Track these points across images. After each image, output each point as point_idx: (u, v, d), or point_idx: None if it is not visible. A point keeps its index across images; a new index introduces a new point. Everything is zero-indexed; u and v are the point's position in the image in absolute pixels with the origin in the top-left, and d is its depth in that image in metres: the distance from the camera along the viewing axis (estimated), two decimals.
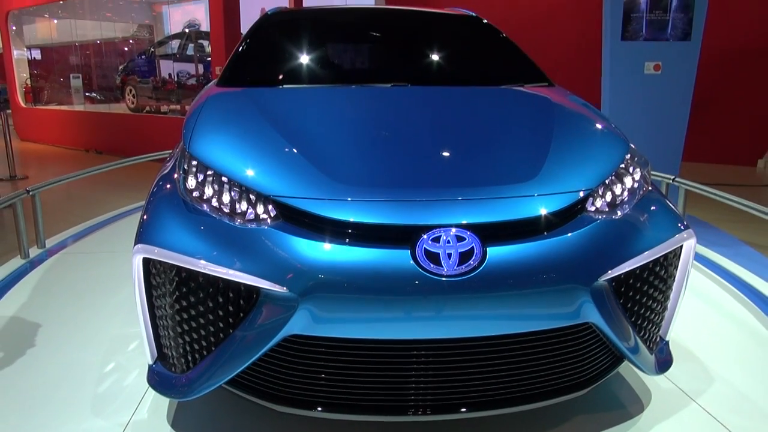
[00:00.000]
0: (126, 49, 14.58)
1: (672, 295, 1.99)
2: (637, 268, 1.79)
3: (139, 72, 11.67)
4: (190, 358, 1.81)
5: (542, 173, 1.83)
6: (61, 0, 12.70)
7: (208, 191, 1.84)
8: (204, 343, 1.77)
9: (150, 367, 1.91)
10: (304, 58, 2.84)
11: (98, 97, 13.84)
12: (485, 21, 3.28)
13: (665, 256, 1.89)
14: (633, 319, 1.87)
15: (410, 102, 2.39)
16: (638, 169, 2.05)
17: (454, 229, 1.63)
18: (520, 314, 1.64)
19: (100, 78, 14.27)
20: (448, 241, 1.60)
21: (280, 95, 2.46)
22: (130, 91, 11.56)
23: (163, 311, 1.80)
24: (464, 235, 1.61)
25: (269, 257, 1.63)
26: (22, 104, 12.63)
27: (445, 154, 1.96)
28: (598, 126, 2.24)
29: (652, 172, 4.36)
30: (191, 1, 13.37)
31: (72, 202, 6.32)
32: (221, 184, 1.83)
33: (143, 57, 11.98)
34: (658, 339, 2.04)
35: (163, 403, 2.16)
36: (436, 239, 1.60)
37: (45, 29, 14.52)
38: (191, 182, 1.89)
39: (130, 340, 2.66)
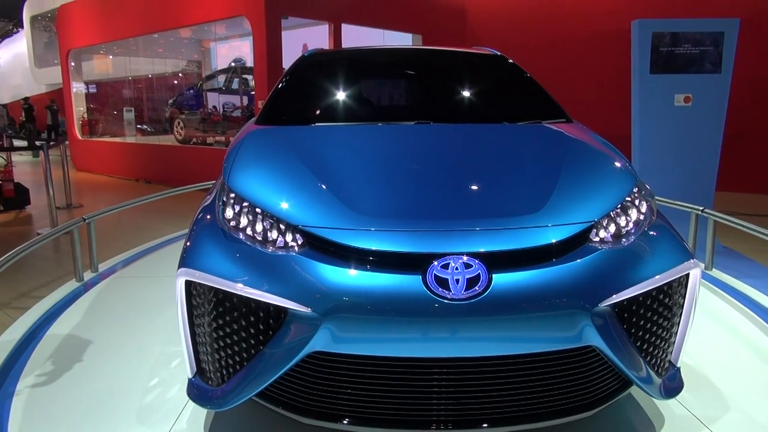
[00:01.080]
0: (176, 83, 15.34)
1: (681, 322, 2.08)
2: (639, 295, 1.90)
3: (187, 105, 12.25)
4: (224, 372, 1.99)
5: (547, 206, 1.97)
6: (118, 39, 13.54)
7: (244, 221, 2.05)
8: (237, 359, 1.95)
9: (189, 380, 2.10)
10: (336, 98, 3.07)
11: (149, 129, 14.53)
12: (508, 59, 3.45)
13: (669, 284, 1.99)
14: (638, 344, 1.97)
15: (430, 139, 2.58)
16: (644, 202, 2.17)
17: (465, 257, 1.78)
18: (524, 336, 1.77)
19: (151, 111, 15.01)
20: (456, 268, 1.75)
21: (312, 133, 2.68)
22: (179, 123, 12.12)
23: (202, 329, 2.00)
24: (471, 263, 1.76)
25: (295, 281, 1.82)
26: (79, 137, 13.40)
27: (458, 187, 2.13)
28: (607, 160, 2.37)
29: (682, 203, 4.43)
30: (238, 38, 14.03)
31: (122, 229, 6.70)
32: (255, 214, 2.04)
33: (191, 91, 12.59)
34: (667, 365, 2.11)
35: (201, 415, 2.35)
36: (446, 266, 1.76)
37: (101, 65, 15.41)
38: (229, 213, 2.10)
39: (172, 357, 2.88)
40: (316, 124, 2.77)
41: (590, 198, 2.06)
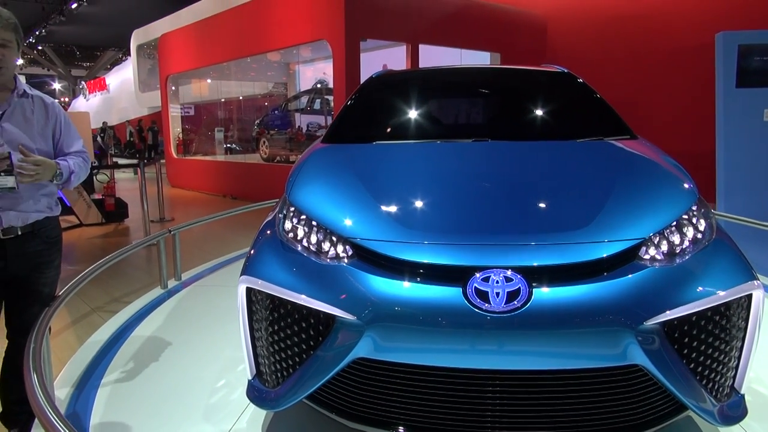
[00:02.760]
0: (264, 104, 16.12)
1: (744, 347, 1.99)
2: (691, 315, 1.85)
3: (272, 125, 12.84)
4: (279, 375, 2.11)
5: (594, 222, 1.96)
6: (210, 64, 14.46)
7: (300, 233, 2.18)
8: (290, 362, 2.07)
9: (249, 382, 2.24)
10: (398, 116, 3.18)
11: (237, 148, 15.33)
12: (574, 76, 3.43)
13: (727, 305, 1.91)
14: (692, 366, 1.90)
15: (485, 156, 2.61)
16: (702, 220, 2.10)
17: (509, 271, 1.81)
18: (564, 352, 1.77)
19: (240, 131, 15.86)
20: (497, 282, 1.79)
21: (372, 150, 2.80)
22: (264, 142, 12.72)
23: (260, 333, 2.14)
24: (512, 277, 1.79)
25: (342, 290, 1.92)
26: (174, 155, 14.37)
27: (505, 203, 2.15)
28: (665, 177, 2.32)
29: (764, 223, 4.16)
30: (322, 59, 14.61)
31: (207, 241, 7.13)
32: (311, 227, 2.17)
33: (276, 111, 13.20)
34: (728, 390, 2.02)
35: (260, 416, 2.48)
36: (486, 279, 1.80)
37: (196, 89, 16.48)
38: (288, 225, 2.25)
39: (240, 361, 3.03)
40: (378, 142, 2.89)
41: (642, 215, 2.03)
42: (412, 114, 3.15)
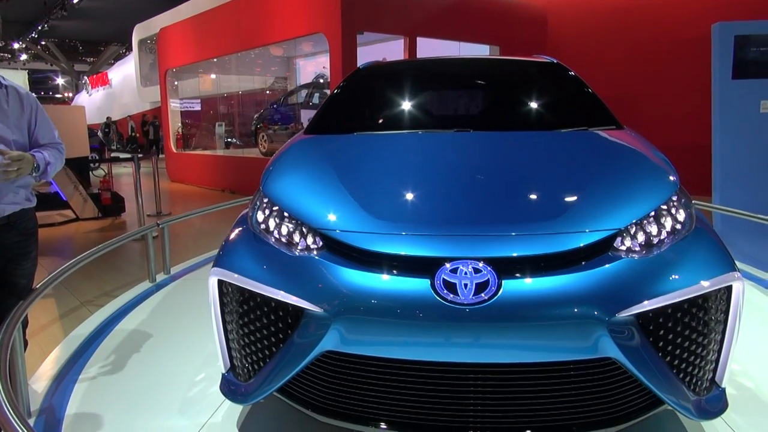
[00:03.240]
0: (263, 99, 16.07)
1: (724, 340, 1.95)
2: (666, 307, 1.80)
3: (270, 119, 12.80)
4: (251, 368, 2.08)
5: (568, 213, 1.92)
6: (215, 58, 14.41)
7: (272, 224, 2.14)
8: (261, 355, 2.03)
9: (222, 375, 2.21)
10: (380, 108, 3.13)
11: (237, 142, 15.29)
12: (562, 66, 3.37)
13: (704, 297, 1.87)
14: (668, 359, 1.86)
15: (463, 147, 2.56)
16: (682, 210, 2.05)
17: (475, 262, 1.76)
18: (534, 345, 1.73)
19: (240, 126, 15.83)
20: (465, 273, 1.74)
21: (350, 141, 2.75)
22: (263, 136, 12.68)
23: (232, 326, 2.11)
24: (480, 268, 1.75)
25: (310, 282, 1.88)
26: (173, 150, 14.35)
27: (476, 194, 2.10)
28: (645, 167, 2.26)
29: (764, 217, 4.10)
30: (324, 53, 14.55)
31: (203, 235, 7.10)
32: (282, 218, 2.13)
33: (274, 106, 13.15)
34: (707, 384, 1.98)
35: (237, 410, 2.45)
36: (455, 271, 1.75)
37: (195, 83, 16.44)
38: (260, 216, 2.21)
39: None
40: (358, 133, 2.84)
41: (618, 205, 1.98)
42: (396, 105, 3.10)
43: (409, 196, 2.13)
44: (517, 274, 1.75)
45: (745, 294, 1.92)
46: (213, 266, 2.14)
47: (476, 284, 1.73)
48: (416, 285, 1.76)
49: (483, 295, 1.71)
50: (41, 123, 2.57)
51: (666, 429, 2.25)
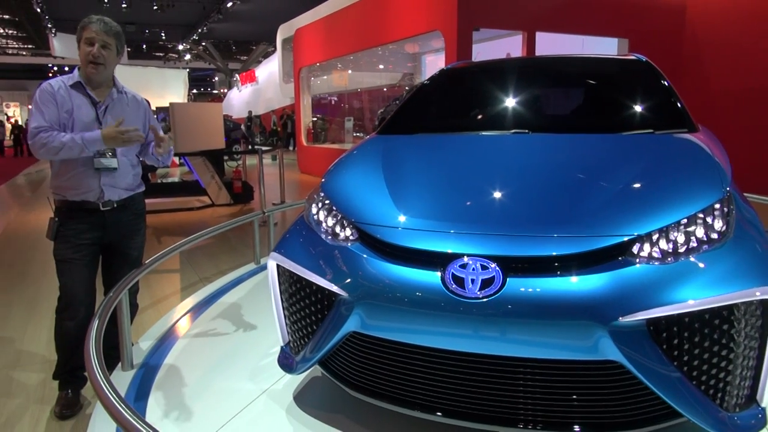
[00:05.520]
0: (391, 94, 16.57)
1: (760, 356, 1.88)
2: (683, 316, 1.79)
3: None
4: (299, 343, 2.36)
5: (586, 217, 1.95)
6: (351, 56, 15.13)
7: (321, 216, 2.40)
8: (305, 331, 2.30)
9: (281, 348, 2.51)
10: (447, 109, 3.26)
11: (364, 136, 15.92)
12: (647, 65, 3.25)
13: (729, 309, 1.82)
14: (686, 369, 1.84)
15: (509, 149, 2.63)
16: (720, 219, 1.99)
17: (483, 259, 1.87)
18: (534, 341, 1.81)
19: (367, 120, 16.49)
20: (473, 269, 1.87)
21: (405, 142, 2.93)
22: None
23: (285, 305, 2.40)
24: (487, 265, 1.86)
25: (342, 269, 2.10)
26: (304, 143, 15.32)
27: (502, 195, 2.19)
28: (689, 174, 2.20)
29: None
30: None
31: None
32: (330, 211, 2.38)
33: (397, 102, 13.51)
34: (741, 400, 1.92)
35: (295, 381, 2.75)
36: (464, 266, 1.88)
37: (325, 80, 17.35)
38: (314, 209, 2.48)
39: None
40: (419, 134, 3.00)
41: (643, 211, 1.97)
42: (463, 106, 3.22)
43: (436, 194, 2.27)
44: (523, 273, 1.84)
45: None
46: (271, 251, 2.44)
47: (482, 280, 1.85)
48: (428, 277, 1.91)
49: (489, 290, 1.83)
50: (152, 122, 3.06)
51: None
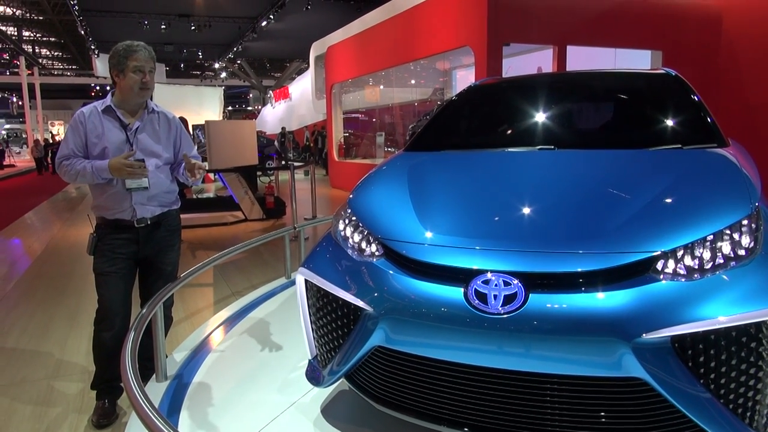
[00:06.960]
0: (422, 110, 16.67)
1: None
2: (709, 333, 1.77)
3: None
4: (326, 356, 2.41)
5: (610, 234, 1.95)
6: (382, 72, 15.29)
7: (348, 232, 2.45)
8: (332, 345, 2.35)
9: (309, 361, 2.56)
10: (473, 126, 3.29)
11: (395, 150, 16.04)
12: (676, 79, 3.22)
13: (759, 327, 1.79)
14: (713, 387, 1.81)
15: (534, 166, 2.64)
16: (748, 236, 1.96)
17: (516, 280, 1.89)
18: (557, 357, 1.81)
19: (399, 135, 16.59)
20: (496, 285, 1.89)
21: (432, 159, 2.97)
22: None
23: (313, 318, 2.45)
24: (509, 281, 1.88)
25: (367, 284, 2.15)
26: (336, 158, 15.50)
27: (527, 212, 2.21)
28: (716, 190, 2.18)
29: None
30: None
31: None
32: (357, 227, 2.43)
33: (428, 117, 13.58)
34: None
35: (323, 395, 2.79)
36: (486, 282, 1.90)
37: (357, 96, 17.55)
38: (341, 225, 2.53)
39: None
40: (446, 151, 3.04)
41: (667, 228, 1.96)
42: (489, 122, 3.25)
43: (460, 211, 2.30)
44: (545, 290, 1.85)
45: None
46: (300, 266, 2.50)
47: (504, 296, 1.86)
48: (451, 293, 1.94)
49: (511, 306, 1.84)
50: (184, 140, 3.17)
51: None
